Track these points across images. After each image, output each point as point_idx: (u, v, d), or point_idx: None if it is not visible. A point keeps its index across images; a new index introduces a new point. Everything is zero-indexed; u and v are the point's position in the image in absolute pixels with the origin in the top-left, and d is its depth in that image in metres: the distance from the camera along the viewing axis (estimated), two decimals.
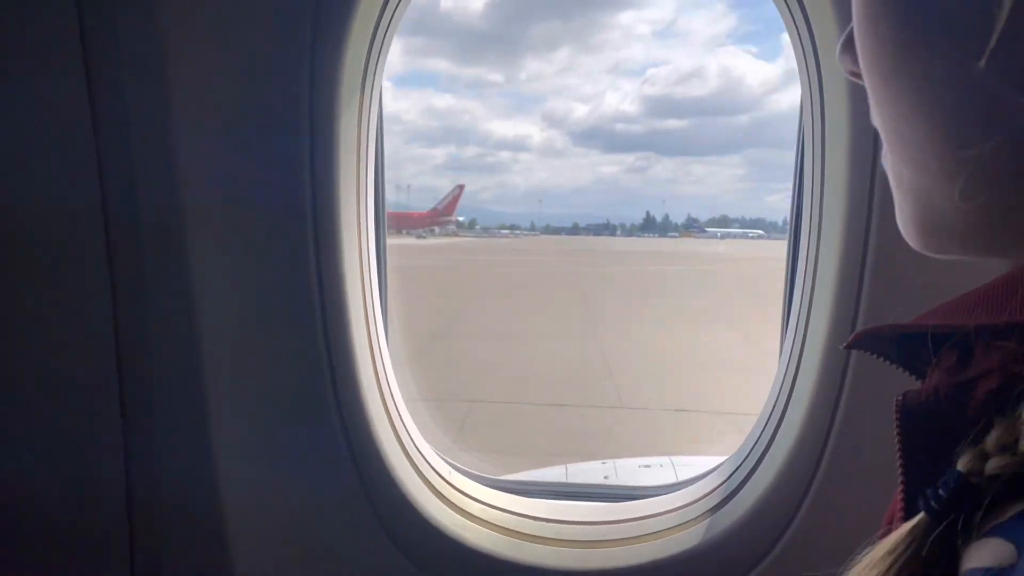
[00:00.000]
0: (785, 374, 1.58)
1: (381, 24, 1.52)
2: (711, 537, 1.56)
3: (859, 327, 1.41)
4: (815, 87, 1.46)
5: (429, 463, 1.68)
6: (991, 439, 0.44)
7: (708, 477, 1.71)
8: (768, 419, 1.61)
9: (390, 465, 1.55)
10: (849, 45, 0.56)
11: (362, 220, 1.57)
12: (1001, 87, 0.42)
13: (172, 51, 1.37)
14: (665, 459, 3.26)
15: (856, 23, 0.52)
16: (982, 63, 0.42)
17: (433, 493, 1.62)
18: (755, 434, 1.64)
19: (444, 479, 1.67)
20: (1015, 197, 0.46)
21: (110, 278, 1.44)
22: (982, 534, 0.42)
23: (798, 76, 1.54)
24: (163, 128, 1.39)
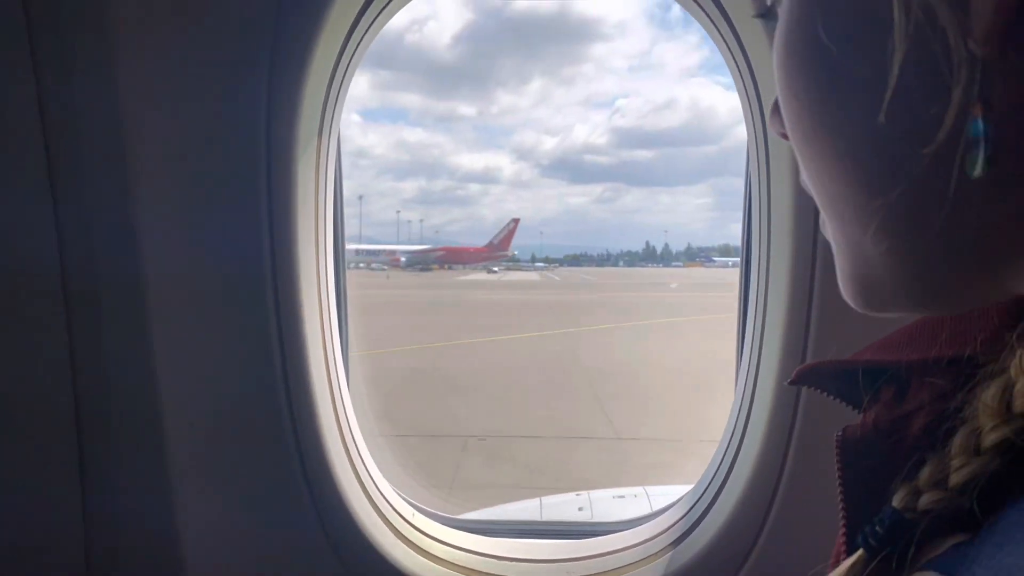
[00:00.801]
0: (740, 406, 1.61)
1: (338, 69, 1.53)
2: (673, 571, 1.57)
3: (808, 360, 1.44)
4: (759, 128, 1.51)
5: (391, 505, 1.68)
6: (923, 475, 0.45)
7: (670, 510, 1.73)
8: (725, 451, 1.63)
9: (352, 509, 1.55)
10: (777, 108, 0.58)
11: (321, 266, 1.58)
12: (900, 140, 0.45)
13: (128, 108, 1.38)
14: (639, 489, 3.26)
15: (777, 86, 0.55)
16: (882, 118, 0.45)
17: (396, 536, 1.61)
18: (713, 466, 1.67)
19: (407, 520, 1.67)
20: (920, 245, 0.49)
21: (68, 343, 1.44)
22: (919, 567, 0.43)
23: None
24: (121, 189, 1.40)
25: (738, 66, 1.51)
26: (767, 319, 1.52)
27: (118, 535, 1.51)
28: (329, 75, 1.51)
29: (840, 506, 0.53)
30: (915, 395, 0.50)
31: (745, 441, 1.57)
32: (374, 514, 1.61)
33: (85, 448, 1.47)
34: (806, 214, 1.40)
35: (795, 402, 1.46)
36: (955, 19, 0.41)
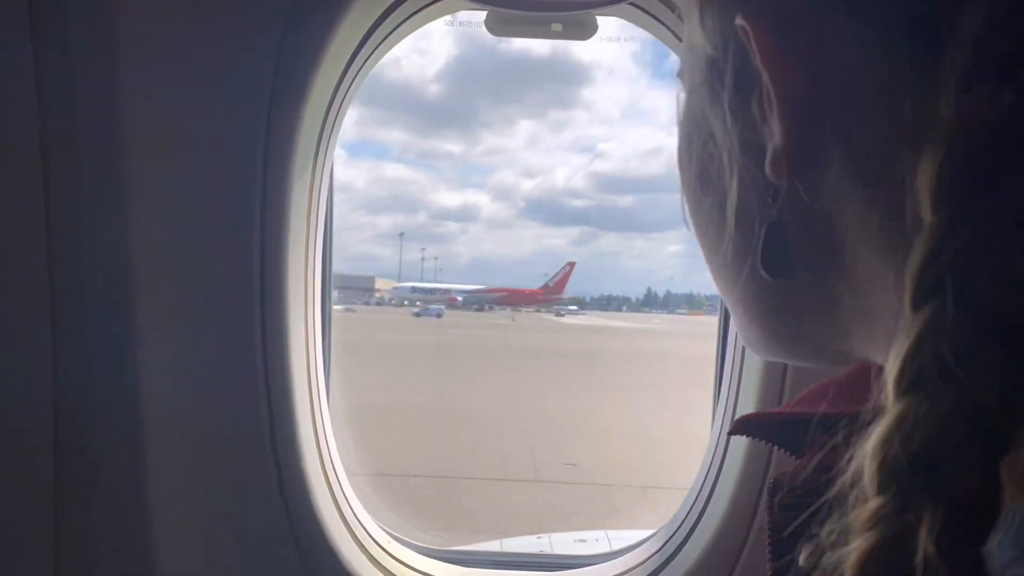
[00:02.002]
0: (716, 445, 1.65)
1: (337, 96, 1.56)
2: None
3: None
4: None
5: (368, 532, 1.68)
6: (824, 533, 0.43)
7: (643, 546, 1.75)
8: (700, 489, 1.66)
9: (329, 535, 1.54)
10: None
11: (309, 293, 1.59)
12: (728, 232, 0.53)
13: (127, 113, 1.39)
14: (600, 533, 3.27)
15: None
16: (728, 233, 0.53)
17: (372, 563, 1.62)
18: (688, 503, 1.70)
19: (383, 548, 1.67)
20: (762, 312, 0.55)
21: (51, 343, 1.42)
22: None
23: None
24: (116, 192, 1.41)
25: None
26: (745, 364, 1.56)
27: (93, 550, 1.48)
28: (328, 101, 1.53)
29: (768, 556, 0.57)
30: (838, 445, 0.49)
31: (718, 485, 1.61)
32: (351, 541, 1.61)
33: (61, 463, 1.45)
34: None
35: (769, 449, 1.49)
36: (754, 158, 0.49)
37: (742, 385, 1.57)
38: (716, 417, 1.69)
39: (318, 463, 1.59)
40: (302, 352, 1.56)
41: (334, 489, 1.63)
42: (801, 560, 0.46)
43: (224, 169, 1.44)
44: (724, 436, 1.60)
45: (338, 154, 1.75)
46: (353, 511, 1.67)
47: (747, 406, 1.54)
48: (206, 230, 1.45)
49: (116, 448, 1.46)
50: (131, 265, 1.42)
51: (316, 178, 1.57)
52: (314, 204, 1.58)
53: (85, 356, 1.44)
